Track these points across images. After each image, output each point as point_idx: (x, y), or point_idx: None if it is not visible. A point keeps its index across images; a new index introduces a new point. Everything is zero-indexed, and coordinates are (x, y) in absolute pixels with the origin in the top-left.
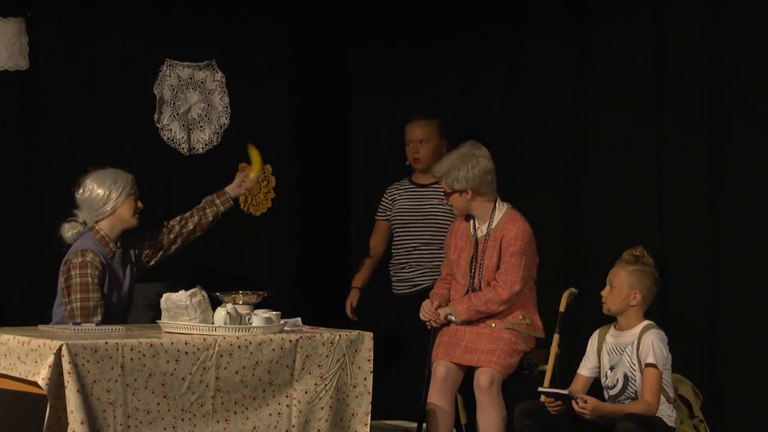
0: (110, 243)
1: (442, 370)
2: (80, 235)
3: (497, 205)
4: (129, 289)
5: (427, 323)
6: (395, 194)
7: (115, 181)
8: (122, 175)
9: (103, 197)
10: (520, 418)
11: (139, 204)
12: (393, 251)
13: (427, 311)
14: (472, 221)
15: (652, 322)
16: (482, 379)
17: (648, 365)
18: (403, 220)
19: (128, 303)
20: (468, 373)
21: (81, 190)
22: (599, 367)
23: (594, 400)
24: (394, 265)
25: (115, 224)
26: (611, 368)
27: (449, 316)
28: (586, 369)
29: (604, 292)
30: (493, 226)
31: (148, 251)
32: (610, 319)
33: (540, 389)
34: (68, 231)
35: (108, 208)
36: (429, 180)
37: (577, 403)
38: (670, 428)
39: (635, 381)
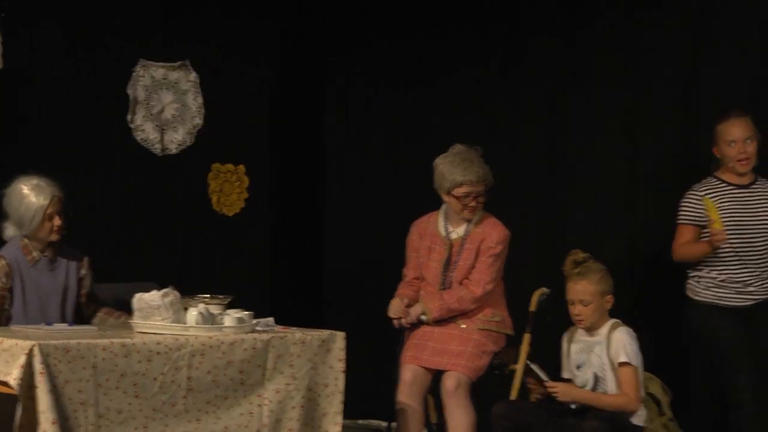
0: (33, 252)
1: (409, 374)
2: (13, 241)
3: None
4: (62, 295)
5: (396, 321)
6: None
7: (25, 209)
8: (38, 193)
9: (18, 221)
10: (497, 420)
11: (56, 222)
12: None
13: (396, 309)
14: (441, 222)
15: (618, 321)
16: (449, 383)
17: (621, 364)
18: (731, 225)
19: (64, 307)
20: (438, 374)
21: (6, 199)
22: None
23: (566, 384)
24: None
25: (37, 239)
26: (578, 366)
27: (421, 316)
28: (565, 372)
29: (577, 311)
30: (471, 229)
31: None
32: None
33: (529, 362)
34: (9, 231)
35: (24, 232)
36: (748, 180)
37: (544, 383)
38: (638, 427)
39: (605, 380)
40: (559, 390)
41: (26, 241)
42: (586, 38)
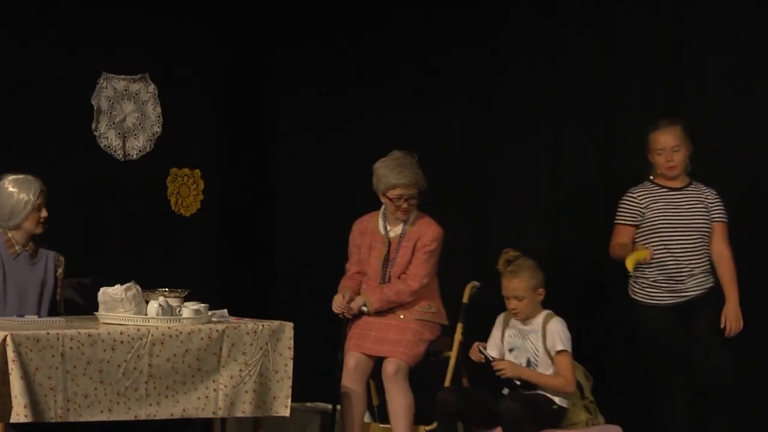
0: (15, 245)
1: (352, 361)
2: None
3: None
4: (40, 288)
5: (340, 315)
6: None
7: (15, 202)
8: (25, 188)
9: (6, 214)
10: (441, 404)
11: (43, 214)
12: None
13: (339, 305)
14: (381, 222)
15: (551, 312)
16: (389, 368)
17: (559, 352)
18: (664, 225)
19: (41, 301)
20: (379, 361)
21: None
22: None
23: (511, 363)
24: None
25: (21, 232)
26: (510, 350)
27: (363, 307)
28: (492, 348)
29: (513, 305)
30: (408, 227)
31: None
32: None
33: (478, 344)
34: None
35: (11, 224)
36: (681, 183)
37: (492, 364)
38: (561, 408)
39: (538, 366)
40: (505, 367)
41: (9, 235)
42: (511, 50)
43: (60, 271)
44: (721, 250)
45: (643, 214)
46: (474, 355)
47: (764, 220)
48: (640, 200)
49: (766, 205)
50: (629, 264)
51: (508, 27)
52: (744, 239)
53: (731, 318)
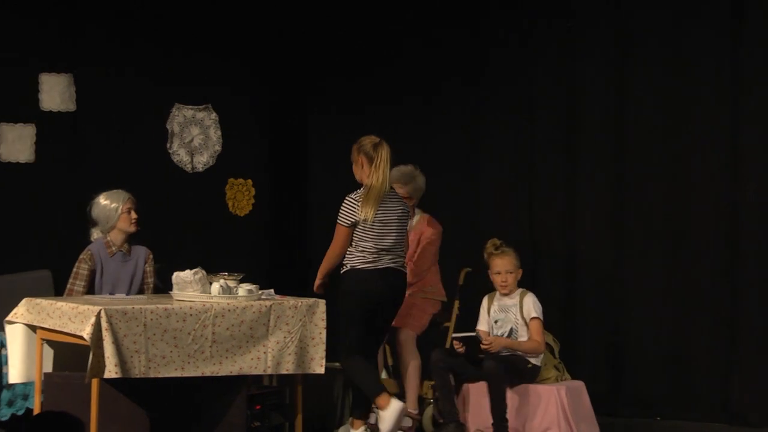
0: (112, 246)
1: None
2: (99, 239)
3: (415, 210)
4: (130, 281)
5: None
6: None
7: (108, 210)
8: (114, 198)
9: (103, 220)
10: (434, 362)
11: (133, 215)
12: None
13: None
14: None
15: (525, 289)
16: (400, 336)
17: (533, 318)
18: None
19: (129, 290)
20: (393, 330)
21: (90, 210)
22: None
23: (496, 338)
24: None
25: (118, 233)
26: (496, 321)
27: None
28: (482, 325)
29: (503, 278)
30: (413, 225)
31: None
32: (491, 288)
33: (453, 335)
34: (93, 235)
35: (107, 227)
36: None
37: (482, 341)
38: (536, 366)
39: (518, 331)
40: (492, 342)
41: (108, 238)
42: (494, 83)
43: (149, 264)
44: None
45: None
46: (456, 345)
47: None
48: None
49: None
50: None
51: (490, 65)
52: None
53: None
